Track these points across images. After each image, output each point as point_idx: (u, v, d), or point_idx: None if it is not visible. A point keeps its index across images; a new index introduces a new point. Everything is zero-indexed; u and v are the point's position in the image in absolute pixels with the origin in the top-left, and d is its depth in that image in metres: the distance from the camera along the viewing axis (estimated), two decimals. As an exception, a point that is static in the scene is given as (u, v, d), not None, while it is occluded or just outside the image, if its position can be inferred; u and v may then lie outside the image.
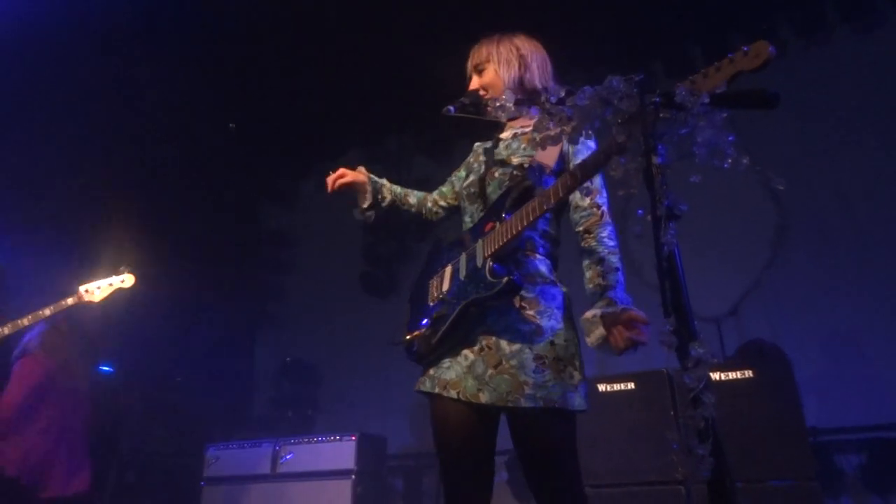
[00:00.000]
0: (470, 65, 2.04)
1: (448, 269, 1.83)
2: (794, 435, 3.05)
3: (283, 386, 5.59)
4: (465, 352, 1.72)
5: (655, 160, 1.13)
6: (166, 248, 5.57)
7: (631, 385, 3.47)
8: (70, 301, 3.13)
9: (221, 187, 6.05)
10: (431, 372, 1.76)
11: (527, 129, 1.90)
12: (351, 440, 4.11)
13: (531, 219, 1.62)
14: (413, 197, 2.17)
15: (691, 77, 1.21)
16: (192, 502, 4.45)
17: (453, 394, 1.69)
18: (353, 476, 4.01)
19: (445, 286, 1.79)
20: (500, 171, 1.87)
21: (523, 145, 1.87)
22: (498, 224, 1.72)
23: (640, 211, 1.14)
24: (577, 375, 1.70)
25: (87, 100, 4.77)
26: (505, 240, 1.66)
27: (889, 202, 4.09)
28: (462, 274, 1.76)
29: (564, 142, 1.79)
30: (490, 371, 1.66)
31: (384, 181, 2.15)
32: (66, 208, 4.91)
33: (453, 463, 1.73)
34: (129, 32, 4.52)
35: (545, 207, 1.58)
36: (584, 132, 1.29)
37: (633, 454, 3.32)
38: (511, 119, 1.91)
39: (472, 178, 1.96)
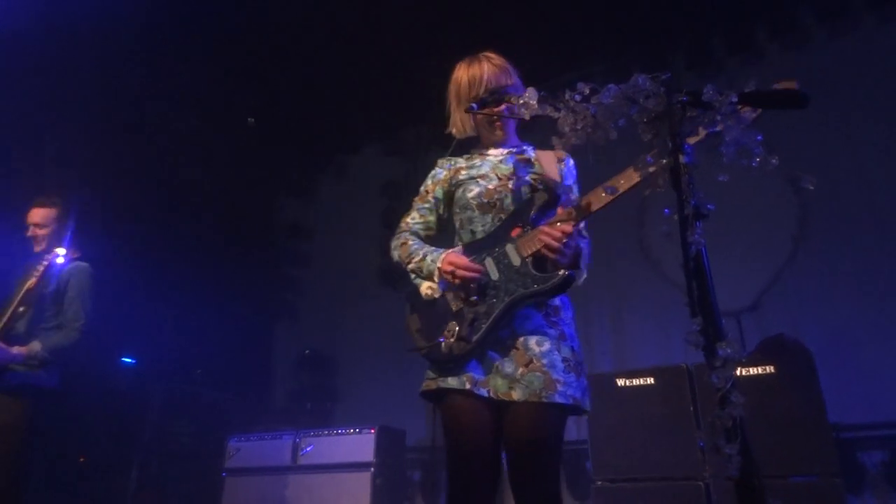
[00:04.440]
0: (486, 87, 2.02)
1: None
2: (817, 431, 3.03)
3: (302, 378, 5.64)
4: (491, 353, 1.80)
5: (682, 159, 1.13)
6: (186, 242, 5.64)
7: (650, 380, 3.47)
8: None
9: (240, 181, 6.10)
10: (455, 371, 1.79)
11: (516, 150, 2.09)
12: (370, 433, 4.14)
13: (577, 221, 1.74)
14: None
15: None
16: (215, 493, 4.52)
17: (484, 392, 1.75)
18: (373, 468, 4.04)
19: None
20: (515, 185, 1.97)
21: (522, 163, 2.03)
22: (528, 228, 1.83)
23: (666, 210, 1.14)
24: (585, 381, 1.84)
25: (106, 96, 4.83)
26: (545, 243, 1.76)
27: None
28: (494, 275, 1.82)
29: (558, 164, 2.01)
30: (521, 369, 1.75)
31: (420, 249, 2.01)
32: (86, 202, 4.97)
33: (472, 452, 1.75)
34: (148, 28, 4.56)
35: (586, 214, 1.73)
36: (608, 131, 1.29)
37: (652, 449, 3.32)
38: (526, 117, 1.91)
39: (477, 189, 1.99)
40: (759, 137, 1.09)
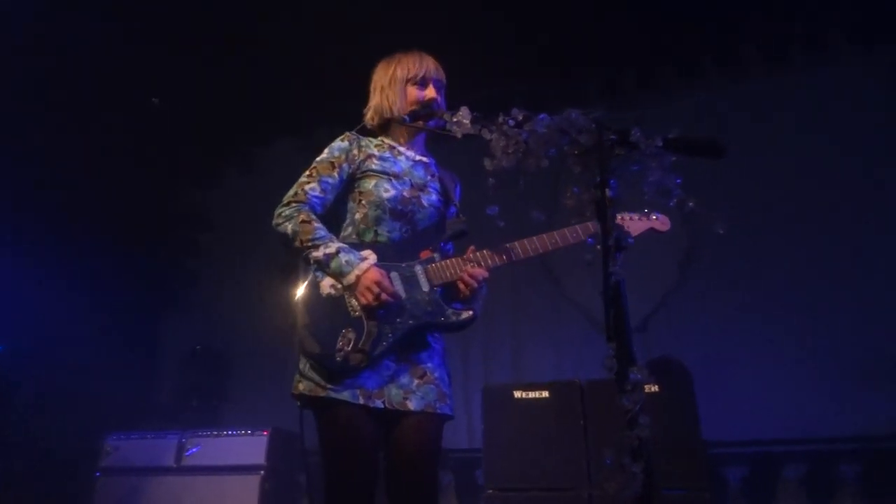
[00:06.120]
0: (427, 74, 2.05)
1: None
2: (691, 447, 3.26)
3: (192, 375, 5.37)
4: (386, 364, 1.81)
5: (608, 193, 1.20)
6: (71, 222, 5.26)
7: (545, 393, 3.60)
8: None
9: (137, 164, 5.75)
10: (347, 381, 1.76)
11: (427, 161, 2.10)
12: (263, 435, 4.03)
13: (495, 264, 1.89)
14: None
15: None
16: (85, 494, 4.22)
17: (379, 403, 1.77)
18: (263, 472, 3.93)
19: None
20: (427, 200, 2.00)
21: (429, 177, 2.06)
22: (438, 255, 1.90)
23: (590, 240, 1.21)
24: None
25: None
26: (457, 277, 1.86)
27: (783, 227, 4.42)
28: (401, 294, 1.83)
29: (453, 186, 2.11)
30: (416, 381, 1.83)
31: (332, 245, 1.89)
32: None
33: (363, 467, 1.76)
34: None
35: (506, 261, 1.90)
36: (540, 158, 1.35)
37: (542, 460, 3.45)
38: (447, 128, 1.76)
39: (394, 192, 1.94)
40: (679, 181, 1.18)
